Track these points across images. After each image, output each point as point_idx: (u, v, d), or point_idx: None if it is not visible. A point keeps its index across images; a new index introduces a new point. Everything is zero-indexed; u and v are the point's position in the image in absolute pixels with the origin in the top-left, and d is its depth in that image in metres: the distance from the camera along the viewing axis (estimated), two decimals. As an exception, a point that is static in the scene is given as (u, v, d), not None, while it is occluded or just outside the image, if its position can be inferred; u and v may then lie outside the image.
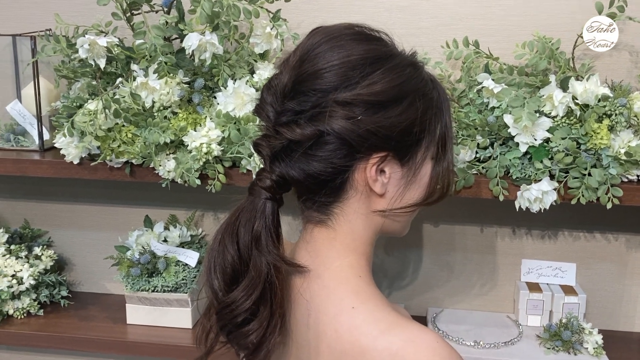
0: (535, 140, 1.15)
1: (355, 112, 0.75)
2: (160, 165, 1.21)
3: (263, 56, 1.28)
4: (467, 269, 1.47)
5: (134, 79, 1.18)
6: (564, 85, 1.16)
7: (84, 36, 1.16)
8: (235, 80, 1.20)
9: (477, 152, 1.20)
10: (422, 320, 1.42)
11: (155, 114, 1.19)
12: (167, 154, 1.22)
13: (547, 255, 1.43)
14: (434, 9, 1.35)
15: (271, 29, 1.23)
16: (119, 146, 1.20)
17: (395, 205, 0.81)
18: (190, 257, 1.39)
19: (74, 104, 1.23)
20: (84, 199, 1.56)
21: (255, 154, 1.03)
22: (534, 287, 1.40)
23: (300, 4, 1.37)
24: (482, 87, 1.22)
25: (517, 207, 1.16)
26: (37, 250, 1.49)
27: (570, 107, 1.14)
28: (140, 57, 1.16)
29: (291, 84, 0.77)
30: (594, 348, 1.29)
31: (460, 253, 1.46)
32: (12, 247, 1.46)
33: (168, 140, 1.15)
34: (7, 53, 1.37)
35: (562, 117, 1.15)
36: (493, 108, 1.20)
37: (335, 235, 0.81)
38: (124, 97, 1.16)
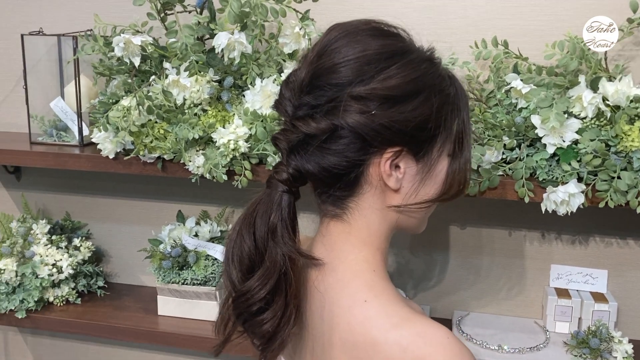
0: (564, 141, 1.13)
1: (370, 106, 0.76)
2: (190, 161, 1.25)
3: (292, 56, 1.30)
4: (495, 273, 1.45)
5: (166, 77, 1.22)
6: (594, 86, 1.14)
7: (120, 35, 1.20)
8: (263, 79, 1.23)
9: (503, 153, 1.19)
10: (447, 323, 1.42)
11: (186, 110, 1.23)
12: (196, 150, 1.25)
13: (578, 261, 1.40)
14: (463, 9, 1.34)
15: (300, 29, 1.25)
16: (151, 142, 1.25)
17: (410, 200, 0.81)
18: (219, 252, 1.42)
19: (110, 101, 1.28)
20: (122, 193, 1.62)
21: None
22: (563, 293, 1.37)
23: (329, 4, 1.39)
24: (511, 88, 1.22)
25: (543, 209, 1.14)
26: (76, 241, 1.55)
27: (600, 108, 1.12)
28: (172, 55, 1.20)
29: (308, 78, 0.78)
30: (623, 357, 1.26)
31: (488, 256, 1.45)
32: (54, 237, 1.53)
33: (197, 136, 1.19)
34: (53, 52, 1.44)
35: (592, 119, 1.13)
36: (521, 109, 1.19)
37: (351, 230, 0.83)
38: (156, 94, 1.20)
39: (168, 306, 1.46)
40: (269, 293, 0.79)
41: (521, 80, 1.20)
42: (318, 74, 0.78)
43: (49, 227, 1.55)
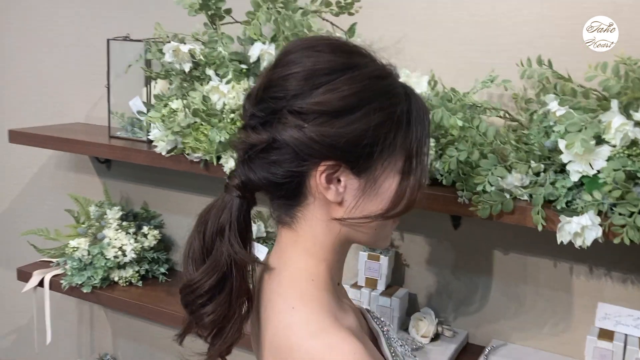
0: (592, 169, 1.04)
1: (305, 120, 0.77)
2: (226, 163, 1.32)
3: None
4: (538, 305, 1.36)
5: (208, 83, 1.31)
6: (627, 111, 1.04)
7: (171, 43, 1.31)
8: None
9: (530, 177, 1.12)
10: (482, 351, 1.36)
11: (223, 115, 1.30)
12: (231, 154, 1.32)
13: (630, 303, 1.27)
14: (514, 25, 1.28)
15: (338, 41, 1.27)
16: (193, 142, 1.34)
17: (353, 214, 0.81)
18: (260, 252, 1.48)
19: (164, 102, 1.39)
20: (194, 189, 1.74)
21: None
22: (606, 334, 1.25)
23: (381, 17, 1.40)
24: (549, 110, 1.15)
25: (558, 240, 1.07)
26: (145, 229, 1.70)
27: (632, 135, 1.02)
28: (211, 63, 1.28)
29: (261, 90, 0.81)
30: (662, 415, 1.13)
31: (532, 287, 1.36)
32: (124, 223, 1.69)
33: (223, 139, 1.26)
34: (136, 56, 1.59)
35: (622, 147, 1.03)
36: (554, 132, 1.12)
37: (297, 238, 0.85)
38: (194, 98, 1.29)
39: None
40: (212, 288, 0.82)
41: (559, 102, 1.12)
42: (268, 85, 0.81)
43: (120, 213, 1.71)
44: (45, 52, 1.94)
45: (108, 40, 1.60)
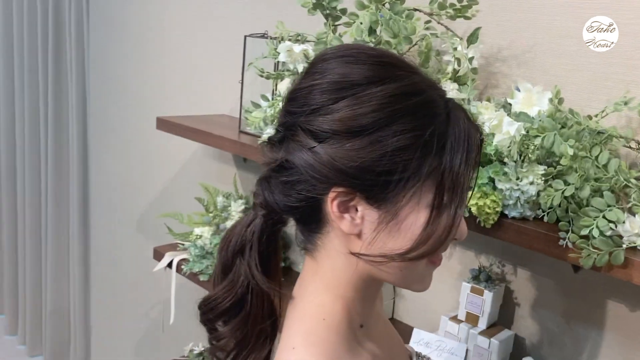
0: None
1: (316, 139, 0.69)
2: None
3: (459, 78, 1.20)
4: (670, 380, 1.12)
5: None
6: None
7: (285, 43, 1.30)
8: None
9: (654, 226, 0.92)
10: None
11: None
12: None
13: None
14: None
15: (455, 49, 1.16)
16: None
17: (371, 250, 0.72)
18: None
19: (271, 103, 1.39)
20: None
21: None
22: None
23: (511, 23, 1.24)
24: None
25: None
26: (264, 225, 1.72)
27: None
28: (318, 65, 1.24)
29: (285, 101, 0.75)
30: None
31: (663, 356, 1.13)
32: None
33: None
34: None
35: None
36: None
37: (317, 269, 0.77)
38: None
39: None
40: (229, 309, 0.78)
41: None
42: (291, 97, 0.74)
43: (243, 207, 1.75)
44: (199, 44, 2.06)
45: (245, 37, 1.64)
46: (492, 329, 1.28)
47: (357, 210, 0.71)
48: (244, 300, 0.78)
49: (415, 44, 1.21)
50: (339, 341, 0.73)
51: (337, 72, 0.70)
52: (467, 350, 1.27)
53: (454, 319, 1.31)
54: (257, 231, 0.77)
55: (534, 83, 1.13)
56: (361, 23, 1.11)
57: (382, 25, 1.09)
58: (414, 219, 0.70)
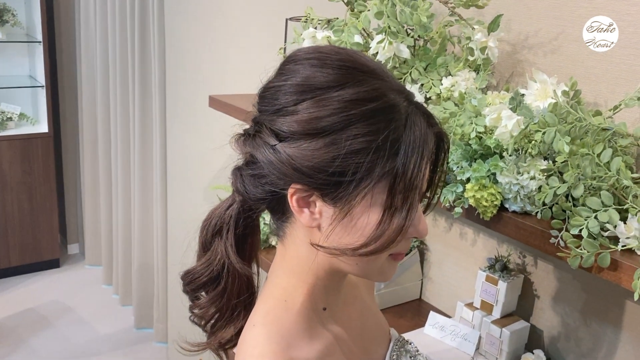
0: None
1: (278, 137, 0.74)
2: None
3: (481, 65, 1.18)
4: (683, 385, 1.07)
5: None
6: None
7: (309, 29, 1.32)
8: (412, 84, 1.18)
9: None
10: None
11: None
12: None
13: None
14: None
15: (468, 38, 1.14)
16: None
17: (329, 243, 0.75)
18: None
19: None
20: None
21: None
22: None
23: (538, 10, 1.20)
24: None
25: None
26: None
27: None
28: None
29: (258, 96, 0.79)
30: None
31: (678, 360, 1.08)
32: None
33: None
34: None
35: None
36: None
37: (285, 255, 0.82)
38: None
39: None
40: (207, 282, 0.86)
41: None
42: (261, 95, 0.78)
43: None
44: (251, 27, 2.11)
45: (287, 20, 1.67)
46: (506, 319, 1.27)
47: (315, 205, 0.74)
48: (220, 277, 0.85)
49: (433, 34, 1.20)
50: (297, 320, 0.79)
51: (302, 75, 0.73)
52: (480, 337, 1.28)
53: (470, 305, 1.32)
54: (234, 215, 0.84)
55: (559, 73, 1.10)
56: (369, 10, 1.11)
57: (387, 16, 1.09)
58: (367, 218, 0.73)
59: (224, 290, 0.86)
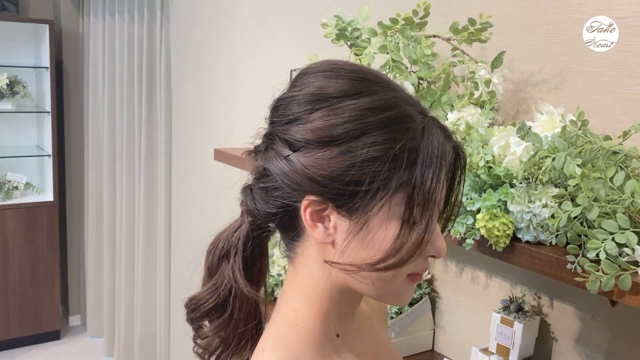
0: None
1: (291, 147, 0.72)
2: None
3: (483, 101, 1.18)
4: None
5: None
6: None
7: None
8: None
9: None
10: None
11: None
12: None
13: None
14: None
15: (472, 72, 1.15)
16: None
17: (344, 259, 0.72)
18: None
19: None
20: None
21: None
22: None
23: (540, 46, 1.21)
24: None
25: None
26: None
27: None
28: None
29: (270, 109, 0.78)
30: None
31: None
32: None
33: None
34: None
35: None
36: None
37: (296, 276, 0.78)
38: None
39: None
40: (213, 309, 0.82)
41: None
42: (274, 107, 0.76)
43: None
44: (253, 81, 2.15)
45: (291, 71, 1.70)
46: (525, 364, 1.21)
47: (329, 219, 0.71)
48: (227, 303, 0.81)
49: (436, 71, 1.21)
50: (309, 346, 0.74)
51: (315, 85, 0.72)
52: (497, 384, 1.21)
53: (485, 350, 1.26)
54: (242, 237, 0.81)
55: (565, 107, 1.09)
56: (372, 49, 1.12)
57: (391, 50, 1.10)
58: (384, 231, 0.70)
59: (230, 317, 0.82)
